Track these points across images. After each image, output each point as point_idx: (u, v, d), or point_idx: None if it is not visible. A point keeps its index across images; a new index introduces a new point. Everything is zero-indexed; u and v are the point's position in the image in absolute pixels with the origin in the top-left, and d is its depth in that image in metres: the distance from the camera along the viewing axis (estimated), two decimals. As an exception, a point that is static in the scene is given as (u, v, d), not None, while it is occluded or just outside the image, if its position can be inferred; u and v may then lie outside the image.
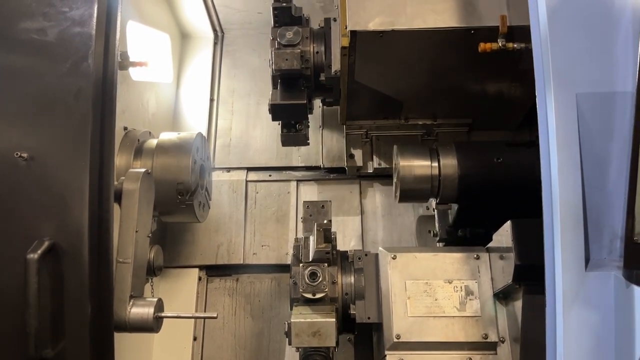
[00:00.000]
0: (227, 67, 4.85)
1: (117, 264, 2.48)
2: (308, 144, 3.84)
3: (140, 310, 2.46)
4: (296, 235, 4.19)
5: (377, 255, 3.19)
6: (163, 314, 2.49)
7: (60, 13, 2.30)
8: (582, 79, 1.98)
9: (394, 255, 3.07)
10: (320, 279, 2.95)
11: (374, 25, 2.96)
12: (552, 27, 2.04)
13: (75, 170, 2.23)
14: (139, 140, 3.39)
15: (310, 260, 3.02)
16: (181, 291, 4.01)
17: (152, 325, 2.46)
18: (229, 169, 4.44)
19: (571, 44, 2.02)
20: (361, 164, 4.11)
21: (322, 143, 4.40)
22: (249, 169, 4.43)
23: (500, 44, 2.75)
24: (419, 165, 3.30)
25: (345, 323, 3.10)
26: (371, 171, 4.13)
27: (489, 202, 3.36)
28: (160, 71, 4.38)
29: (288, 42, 3.33)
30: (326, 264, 3.01)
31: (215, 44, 4.85)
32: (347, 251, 3.27)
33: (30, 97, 2.27)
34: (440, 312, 2.94)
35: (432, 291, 2.98)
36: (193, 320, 3.91)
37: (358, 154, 4.11)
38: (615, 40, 1.97)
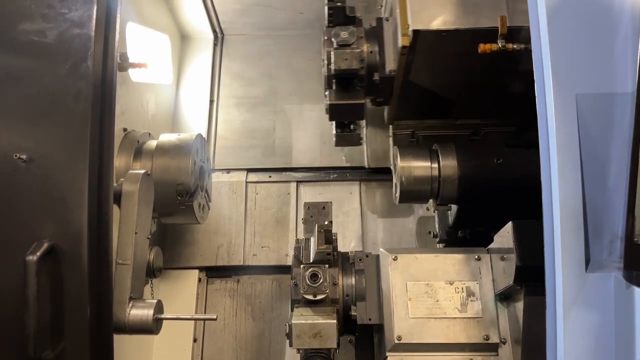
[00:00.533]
0: (227, 68, 4.85)
1: (117, 265, 2.48)
2: (361, 144, 3.83)
3: (140, 312, 2.45)
4: (296, 236, 4.19)
5: (378, 256, 3.18)
6: (162, 316, 2.48)
7: (60, 14, 2.30)
8: (582, 80, 1.98)
9: (395, 257, 3.06)
10: (321, 281, 2.95)
11: (437, 24, 2.95)
12: (552, 28, 2.04)
13: (74, 171, 2.23)
14: (138, 141, 3.39)
15: (311, 261, 3.02)
16: (181, 293, 4.00)
17: (152, 327, 2.45)
18: (228, 170, 4.44)
19: (571, 44, 2.02)
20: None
21: (367, 143, 4.39)
22: (249, 170, 4.43)
23: (500, 45, 2.75)
24: (418, 166, 3.29)
25: (346, 324, 3.10)
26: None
27: (489, 203, 3.35)
28: (160, 72, 4.38)
29: (343, 42, 3.30)
30: (327, 265, 3.01)
31: (215, 45, 4.86)
32: (348, 252, 3.26)
33: (30, 99, 2.27)
34: (441, 313, 2.93)
35: (434, 292, 2.97)
36: (193, 321, 3.91)
37: None
38: (614, 40, 1.96)
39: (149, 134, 3.59)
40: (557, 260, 1.92)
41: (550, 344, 1.93)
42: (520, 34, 2.83)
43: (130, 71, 3.38)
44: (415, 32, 2.96)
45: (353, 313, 3.04)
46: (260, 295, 4.11)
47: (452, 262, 3.07)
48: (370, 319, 3.06)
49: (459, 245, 3.65)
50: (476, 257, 3.06)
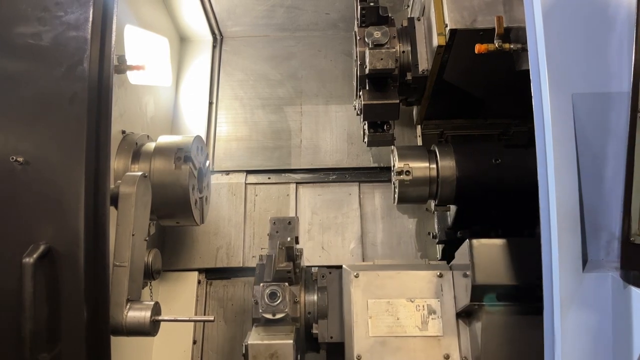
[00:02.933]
0: (226, 70, 4.86)
1: (114, 267, 2.48)
2: (394, 143, 3.77)
3: (137, 314, 2.45)
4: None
5: (340, 273, 3.15)
6: (160, 318, 2.48)
7: (56, 17, 2.30)
8: (578, 80, 1.98)
9: (357, 274, 3.03)
10: (280, 299, 2.90)
11: (475, 23, 2.97)
12: (548, 28, 2.04)
13: (71, 174, 2.23)
14: (137, 143, 3.39)
15: (271, 279, 2.98)
16: (181, 294, 4.00)
17: (149, 329, 2.45)
18: (227, 172, 4.44)
19: (567, 44, 2.02)
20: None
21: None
22: (248, 172, 4.43)
23: (497, 45, 2.74)
24: (417, 167, 3.29)
25: (309, 342, 3.08)
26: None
27: (488, 203, 3.35)
28: (159, 75, 4.39)
29: (376, 42, 3.28)
30: (286, 284, 2.96)
31: (214, 47, 4.86)
32: (312, 268, 3.24)
33: (26, 102, 2.27)
34: (401, 331, 2.89)
35: (394, 310, 2.93)
36: (193, 323, 3.90)
37: None
38: (610, 40, 1.96)
39: (148, 136, 3.59)
40: (555, 260, 1.91)
41: (548, 344, 1.93)
42: (518, 33, 2.83)
43: (129, 73, 3.39)
44: (453, 31, 2.98)
45: (315, 331, 3.02)
46: (259, 296, 4.10)
47: (413, 279, 3.01)
48: (331, 337, 3.03)
49: (459, 246, 3.65)
50: (438, 274, 3.02)
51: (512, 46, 2.76)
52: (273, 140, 4.58)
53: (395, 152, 3.41)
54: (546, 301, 1.93)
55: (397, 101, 3.39)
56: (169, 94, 4.55)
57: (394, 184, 3.50)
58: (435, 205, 3.43)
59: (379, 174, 4.33)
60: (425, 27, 3.43)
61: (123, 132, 3.39)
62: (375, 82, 3.39)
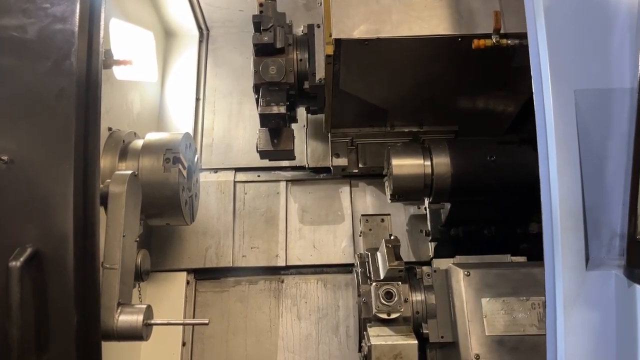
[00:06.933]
0: (212, 65, 4.76)
1: (104, 270, 2.38)
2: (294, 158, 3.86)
3: (129, 318, 2.36)
4: (286, 236, 4.13)
5: (446, 271, 3.12)
6: (152, 321, 2.40)
7: (41, 9, 2.19)
8: (579, 75, 1.95)
9: (468, 272, 3.00)
10: (395, 299, 2.91)
11: (359, 33, 2.88)
12: (549, 23, 2.01)
13: (58, 173, 2.14)
14: (124, 141, 3.29)
15: (382, 278, 2.96)
16: (169, 296, 3.91)
17: (142, 333, 2.37)
18: (216, 170, 4.35)
19: (568, 39, 1.99)
20: (346, 164, 4.01)
21: (307, 143, 4.33)
22: (237, 170, 4.35)
23: (494, 40, 2.71)
24: (411, 164, 3.25)
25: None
26: (356, 171, 4.04)
27: (482, 200, 3.33)
28: (145, 70, 4.27)
29: (271, 79, 3.31)
30: (399, 283, 2.97)
31: (200, 42, 4.75)
32: (413, 267, 3.22)
33: (10, 98, 2.17)
34: (519, 330, 2.86)
35: (509, 309, 2.90)
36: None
37: (343, 161, 4.01)
38: (612, 35, 1.94)
39: (135, 133, 3.48)
40: (557, 258, 1.89)
41: (551, 343, 1.91)
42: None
43: (115, 69, 3.28)
44: (338, 41, 2.90)
45: (425, 331, 3.00)
46: (250, 297, 4.03)
47: (524, 276, 3.00)
48: (442, 337, 3.01)
49: (452, 243, 3.63)
50: None
51: (509, 42, 2.73)
52: (233, 138, 4.50)
53: (389, 150, 3.36)
54: (548, 299, 1.90)
55: (292, 149, 3.50)
56: (155, 90, 4.43)
57: (387, 181, 3.46)
58: (429, 202, 3.40)
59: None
60: (324, 35, 3.34)
61: (109, 129, 3.28)
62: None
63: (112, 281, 2.38)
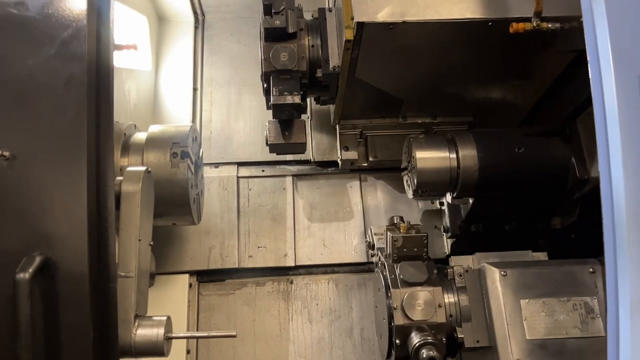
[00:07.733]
0: (208, 54, 4.47)
1: (119, 279, 2.12)
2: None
3: (148, 332, 2.11)
4: (294, 234, 3.90)
5: (479, 271, 2.95)
6: (175, 335, 2.15)
7: (44, -19, 1.92)
8: (644, 59, 1.79)
9: (504, 272, 2.83)
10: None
11: (383, 16, 2.68)
12: (609, 3, 1.84)
13: (69, 170, 1.89)
14: (125, 134, 3.01)
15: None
16: (171, 300, 3.62)
17: (163, 349, 2.12)
18: (217, 165, 4.08)
19: (630, 20, 1.83)
20: (356, 157, 3.82)
21: (312, 136, 4.11)
22: (240, 164, 4.09)
23: (534, 24, 2.54)
24: (436, 157, 3.06)
25: (449, 348, 2.90)
26: (366, 164, 3.85)
27: (509, 194, 3.17)
28: (139, 58, 3.97)
29: (283, 67, 3.11)
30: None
31: (196, 28, 4.46)
32: (444, 268, 3.05)
33: (11, 86, 1.90)
34: (561, 333, 2.72)
35: (550, 310, 2.76)
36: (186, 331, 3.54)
37: (352, 155, 3.83)
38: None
39: (135, 125, 3.20)
40: (622, 259, 1.73)
41: (612, 351, 1.76)
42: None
43: (116, 54, 2.99)
44: (360, 24, 2.69)
45: (460, 335, 2.83)
46: (258, 299, 3.79)
47: (564, 276, 2.85)
48: (478, 342, 2.83)
49: (473, 240, 3.47)
50: (590, 269, 2.83)
51: (549, 25, 2.56)
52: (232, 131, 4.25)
53: (411, 142, 3.16)
54: (610, 303, 1.75)
55: (304, 142, 3.35)
56: (149, 79, 4.13)
57: (408, 176, 3.27)
58: (452, 197, 3.21)
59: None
60: (337, 19, 3.18)
61: (109, 121, 2.99)
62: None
63: (128, 291, 2.12)
